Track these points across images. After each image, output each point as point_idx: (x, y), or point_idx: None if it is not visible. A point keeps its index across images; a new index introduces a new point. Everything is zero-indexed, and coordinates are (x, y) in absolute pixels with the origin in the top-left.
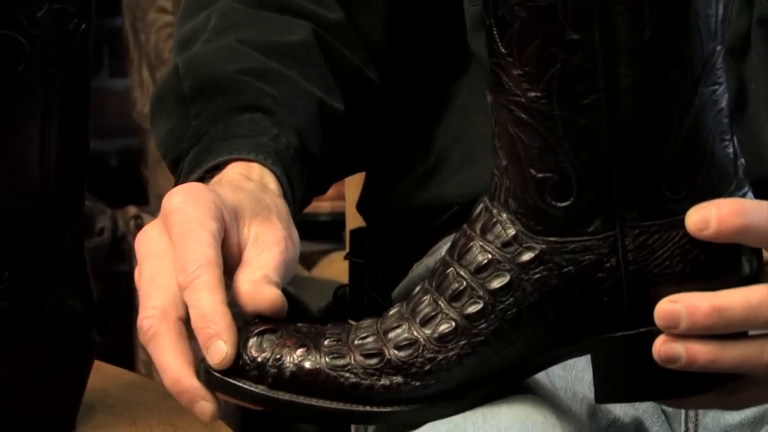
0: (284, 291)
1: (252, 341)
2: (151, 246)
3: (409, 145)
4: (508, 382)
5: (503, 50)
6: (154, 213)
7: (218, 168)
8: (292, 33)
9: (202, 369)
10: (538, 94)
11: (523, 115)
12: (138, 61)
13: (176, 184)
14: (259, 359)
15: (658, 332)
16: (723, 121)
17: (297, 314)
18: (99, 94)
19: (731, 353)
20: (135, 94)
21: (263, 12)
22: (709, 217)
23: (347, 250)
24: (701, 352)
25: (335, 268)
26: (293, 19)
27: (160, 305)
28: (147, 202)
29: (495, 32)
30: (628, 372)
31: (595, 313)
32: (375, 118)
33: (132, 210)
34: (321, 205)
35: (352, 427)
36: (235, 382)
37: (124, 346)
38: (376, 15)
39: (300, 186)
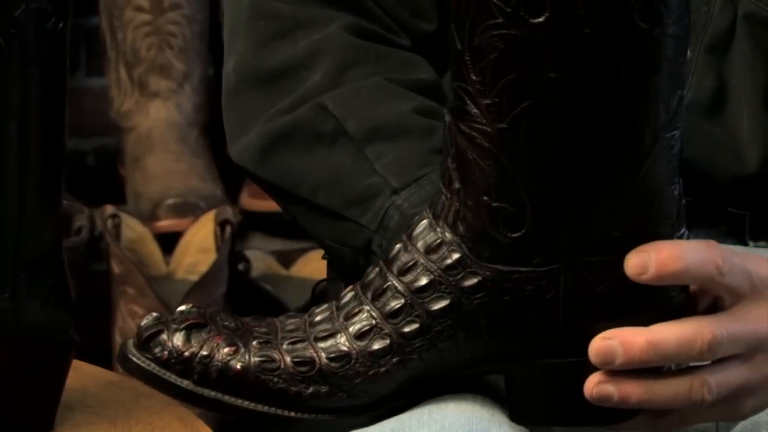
0: (262, 290)
1: (179, 335)
2: None
3: None
4: (430, 390)
5: (474, 78)
6: (132, 212)
7: None
8: (415, 67)
9: (124, 355)
10: (505, 126)
11: (486, 144)
12: (115, 59)
13: (380, 222)
14: (187, 354)
15: (585, 363)
16: (675, 164)
17: (277, 313)
18: (76, 93)
19: (662, 392)
20: (112, 93)
21: (374, 45)
22: (647, 261)
23: None
24: (633, 391)
25: (313, 266)
26: (406, 54)
27: None
28: (124, 201)
29: (467, 58)
30: (550, 397)
31: (529, 341)
32: None
33: (109, 209)
34: None
35: None
36: (158, 373)
37: (102, 345)
38: (417, 45)
39: None
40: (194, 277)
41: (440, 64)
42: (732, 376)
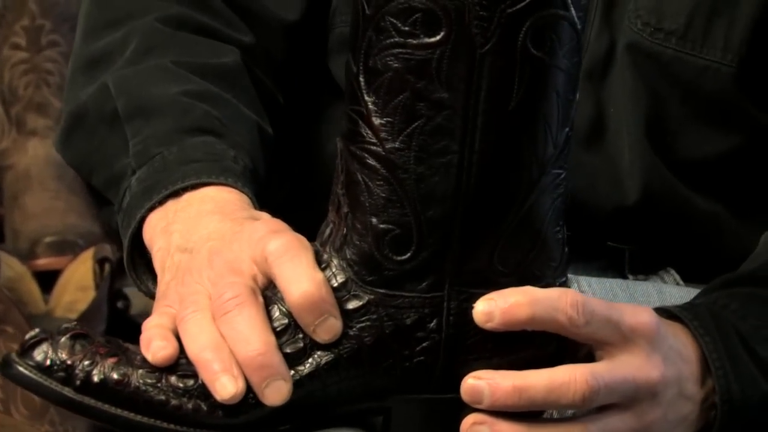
0: (131, 318)
1: (63, 341)
2: None
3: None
4: (312, 422)
5: (367, 98)
6: (10, 250)
7: (185, 190)
8: (221, 55)
9: (6, 362)
10: (397, 146)
11: (376, 164)
12: None
13: (120, 203)
14: (69, 362)
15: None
16: (559, 206)
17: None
18: None
19: None
20: None
21: (186, 34)
22: (493, 309)
23: None
24: None
25: None
26: (217, 42)
27: (245, 282)
28: (2, 240)
29: (362, 79)
30: None
31: (409, 371)
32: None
33: None
34: None
35: None
36: (39, 379)
37: None
38: (277, 36)
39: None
40: (73, 315)
41: (308, 53)
42: (615, 425)
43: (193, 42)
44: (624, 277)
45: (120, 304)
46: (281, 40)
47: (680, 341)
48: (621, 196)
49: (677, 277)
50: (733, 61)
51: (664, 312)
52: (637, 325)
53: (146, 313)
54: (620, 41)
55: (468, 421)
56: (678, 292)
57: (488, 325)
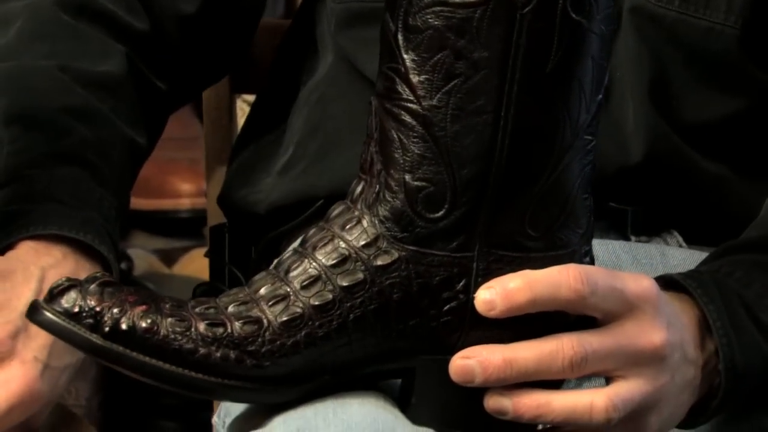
0: (144, 288)
1: (92, 289)
2: None
3: (266, 138)
4: (335, 381)
5: (406, 56)
6: None
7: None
8: (107, 58)
9: (33, 307)
10: (434, 104)
11: (412, 121)
12: None
13: None
14: (98, 309)
15: None
16: (588, 173)
17: None
18: None
19: (558, 408)
20: None
21: (80, 24)
22: (494, 298)
23: (208, 247)
24: (528, 407)
25: (195, 265)
26: (108, 39)
27: None
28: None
29: (400, 37)
30: (451, 397)
31: (435, 331)
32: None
33: None
34: (181, 202)
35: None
36: (67, 325)
37: None
38: (171, 26)
39: (118, 240)
40: None
41: (202, 48)
42: (626, 394)
43: (82, 38)
44: (626, 238)
45: (123, 265)
46: (176, 30)
47: (677, 307)
48: (625, 158)
49: (680, 239)
50: (736, 23)
51: (667, 279)
52: (641, 292)
53: (149, 275)
54: (625, 6)
55: (489, 393)
56: (681, 255)
57: (491, 314)
